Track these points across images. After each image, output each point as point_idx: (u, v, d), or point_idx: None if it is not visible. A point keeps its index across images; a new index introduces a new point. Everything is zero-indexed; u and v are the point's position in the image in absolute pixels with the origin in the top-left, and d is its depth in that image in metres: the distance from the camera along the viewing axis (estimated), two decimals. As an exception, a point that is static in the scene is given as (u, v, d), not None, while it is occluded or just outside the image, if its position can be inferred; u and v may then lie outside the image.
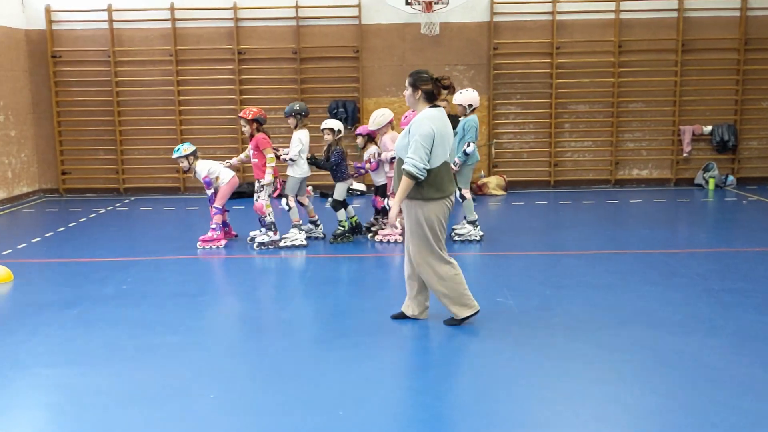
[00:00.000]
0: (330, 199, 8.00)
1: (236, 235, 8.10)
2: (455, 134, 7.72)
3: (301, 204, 8.01)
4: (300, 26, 11.38)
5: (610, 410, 3.81)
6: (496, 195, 11.18)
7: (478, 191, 11.17)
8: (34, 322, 5.42)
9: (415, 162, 4.63)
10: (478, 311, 5.05)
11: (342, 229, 7.92)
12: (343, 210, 7.90)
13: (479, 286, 6.22)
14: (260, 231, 7.79)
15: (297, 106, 7.78)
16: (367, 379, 4.21)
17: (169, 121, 11.44)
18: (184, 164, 7.77)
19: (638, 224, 8.94)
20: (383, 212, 8.19)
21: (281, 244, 7.66)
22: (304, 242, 7.73)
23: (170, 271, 6.97)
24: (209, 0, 11.30)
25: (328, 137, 7.88)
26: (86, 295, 6.09)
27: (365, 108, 11.59)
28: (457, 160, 7.61)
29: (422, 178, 4.66)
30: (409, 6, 10.88)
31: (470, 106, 7.72)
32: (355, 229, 8.09)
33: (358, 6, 11.29)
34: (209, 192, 7.77)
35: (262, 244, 7.61)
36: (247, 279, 6.67)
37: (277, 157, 7.67)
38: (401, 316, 5.19)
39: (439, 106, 4.87)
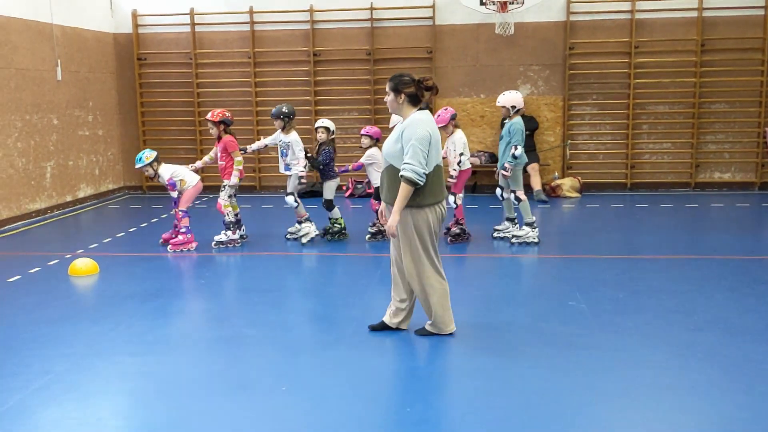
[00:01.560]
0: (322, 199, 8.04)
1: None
2: (502, 138, 7.72)
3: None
4: (374, 28, 11.50)
5: (681, 419, 3.73)
6: (570, 197, 11.00)
7: (552, 193, 11.02)
8: (117, 313, 5.70)
9: (414, 167, 4.41)
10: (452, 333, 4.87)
11: (338, 226, 8.01)
12: (336, 208, 8.01)
13: (551, 289, 6.18)
14: (223, 232, 7.83)
15: (285, 109, 7.86)
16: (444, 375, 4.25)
17: (246, 122, 11.75)
18: (149, 172, 7.64)
19: (719, 229, 8.64)
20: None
21: (303, 241, 7.85)
22: (318, 231, 7.98)
23: (245, 267, 7.18)
24: (286, 3, 11.54)
25: (322, 136, 7.93)
26: (166, 288, 6.35)
27: (437, 109, 11.57)
28: (507, 165, 7.58)
29: (422, 183, 4.46)
30: (483, 6, 10.84)
31: (514, 107, 7.63)
32: (328, 231, 8.14)
33: (432, 7, 11.31)
34: (174, 194, 7.68)
35: (220, 242, 7.72)
36: (314, 275, 6.80)
37: (243, 150, 7.95)
38: (381, 327, 4.99)
39: (424, 109, 4.66)
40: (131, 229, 8.91)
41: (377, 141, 8.00)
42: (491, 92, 11.48)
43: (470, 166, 7.96)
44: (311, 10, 11.52)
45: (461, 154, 7.67)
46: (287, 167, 7.90)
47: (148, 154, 7.62)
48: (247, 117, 11.81)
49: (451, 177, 7.80)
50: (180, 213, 7.63)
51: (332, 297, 5.96)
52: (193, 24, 11.76)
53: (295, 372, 4.37)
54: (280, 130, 7.88)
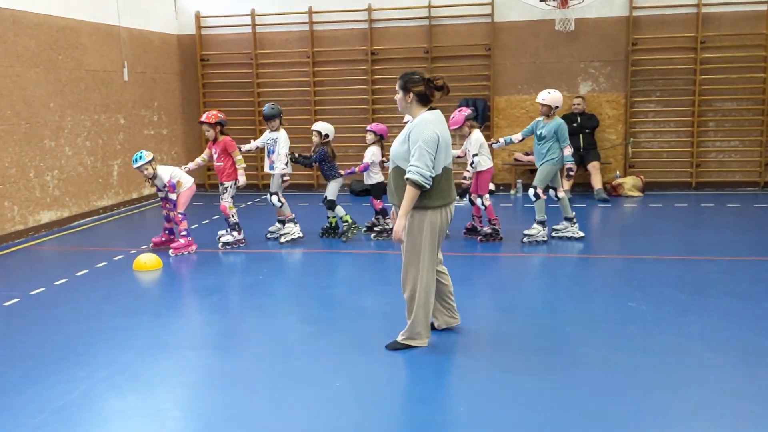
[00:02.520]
0: (324, 198, 8.07)
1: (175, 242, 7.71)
2: (543, 138, 7.56)
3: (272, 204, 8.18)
4: (432, 26, 11.47)
5: (748, 427, 3.60)
6: (632, 196, 10.74)
7: (613, 192, 10.79)
8: (178, 307, 5.86)
9: (420, 170, 4.27)
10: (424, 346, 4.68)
11: (347, 224, 8.01)
12: (340, 207, 8.04)
13: (611, 290, 6.06)
14: (226, 231, 7.88)
15: (277, 108, 7.95)
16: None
17: (305, 121, 11.86)
18: (149, 171, 7.49)
19: (790, 230, 8.31)
20: (383, 213, 8.20)
21: (282, 240, 7.88)
22: (301, 234, 7.97)
23: (303, 263, 7.27)
24: (345, 2, 11.63)
25: (315, 139, 7.98)
26: (226, 284, 6.49)
27: (496, 106, 11.52)
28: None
29: (428, 186, 4.31)
30: (543, 2, 10.69)
31: (556, 107, 7.57)
32: (330, 230, 8.19)
33: (491, 4, 11.22)
34: (173, 196, 7.55)
35: (226, 244, 7.72)
36: (366, 273, 6.83)
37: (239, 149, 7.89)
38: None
39: (434, 108, 4.52)
40: (193, 226, 9.11)
41: (381, 138, 8.04)
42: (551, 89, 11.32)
43: (490, 165, 7.91)
44: (369, 9, 11.58)
45: (475, 155, 7.68)
46: (272, 166, 7.95)
47: (145, 155, 7.51)
48: (305, 116, 11.94)
49: (465, 178, 7.86)
50: (179, 216, 7.53)
51: (385, 294, 5.97)
52: (254, 25, 11.96)
53: (351, 368, 4.40)
54: (269, 130, 7.96)
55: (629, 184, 10.89)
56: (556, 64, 11.30)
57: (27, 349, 4.88)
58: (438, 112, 4.50)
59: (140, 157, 7.49)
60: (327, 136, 8.00)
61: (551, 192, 7.89)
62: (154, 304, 6.09)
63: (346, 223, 8.01)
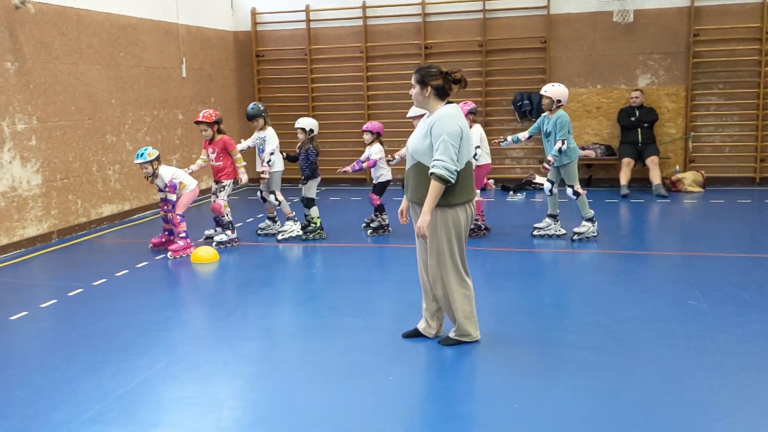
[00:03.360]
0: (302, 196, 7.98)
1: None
2: (549, 134, 7.42)
3: (264, 200, 8.17)
4: (486, 19, 11.37)
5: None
6: (693, 192, 10.45)
7: (672, 187, 10.52)
8: (234, 299, 5.97)
9: (446, 164, 4.14)
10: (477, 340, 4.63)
11: (314, 225, 7.93)
12: (315, 207, 7.94)
13: (670, 287, 5.92)
14: (215, 230, 7.85)
15: (262, 107, 7.96)
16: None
17: (358, 116, 11.93)
18: (148, 170, 7.26)
19: None
20: (379, 209, 8.12)
21: (279, 237, 7.86)
22: (300, 232, 7.92)
23: (355, 258, 7.31)
24: (399, -3, 11.64)
25: (302, 136, 7.90)
26: (280, 277, 6.58)
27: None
28: (551, 158, 7.36)
29: (453, 181, 4.19)
30: (600, -6, 10.48)
31: (559, 101, 7.38)
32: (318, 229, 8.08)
33: (547, -4, 11.07)
34: (173, 197, 7.33)
35: (220, 243, 7.59)
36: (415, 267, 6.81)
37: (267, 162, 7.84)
38: (415, 334, 4.77)
39: (452, 102, 4.41)
40: (248, 220, 9.26)
41: (379, 135, 8.00)
42: (608, 83, 11.11)
43: (488, 161, 7.87)
44: (423, 3, 11.53)
45: (477, 147, 7.57)
46: (267, 164, 7.95)
47: (150, 151, 7.27)
48: (359, 111, 11.99)
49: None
50: (177, 217, 7.33)
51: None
52: (308, 21, 12.06)
53: (404, 362, 4.41)
54: (257, 129, 7.99)
55: (689, 179, 10.60)
56: (613, 57, 11.07)
57: (90, 339, 5.04)
58: (456, 105, 4.39)
59: (141, 155, 7.25)
60: (312, 131, 7.91)
61: (546, 185, 7.71)
62: (211, 296, 6.22)
63: (313, 224, 7.94)
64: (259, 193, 8.20)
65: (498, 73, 11.53)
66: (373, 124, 8.09)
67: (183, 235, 7.34)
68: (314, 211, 7.95)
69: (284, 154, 8.08)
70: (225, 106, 12.14)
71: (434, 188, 4.19)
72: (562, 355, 4.48)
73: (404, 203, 4.64)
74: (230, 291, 6.27)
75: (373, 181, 8.13)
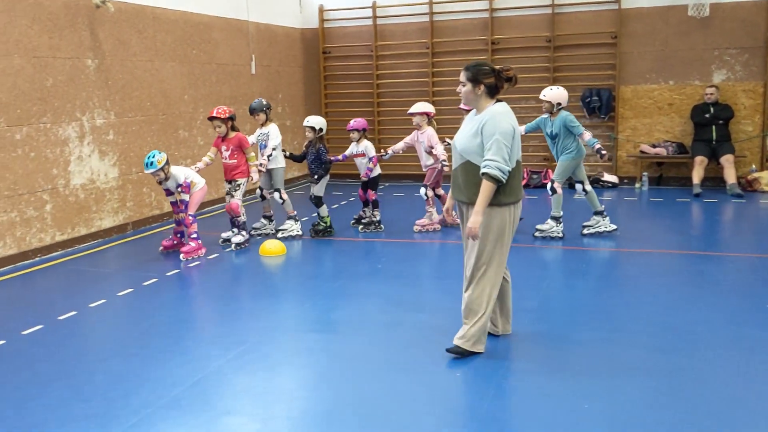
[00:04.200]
0: (311, 194, 7.94)
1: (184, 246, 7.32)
2: (556, 136, 7.41)
3: (263, 198, 8.11)
4: (555, 14, 11.20)
5: None
6: (769, 192, 10.09)
7: (748, 187, 10.16)
8: (302, 292, 6.07)
9: (499, 164, 4.06)
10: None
11: (324, 224, 7.92)
12: (324, 206, 7.92)
13: (746, 290, 5.74)
14: (232, 232, 7.66)
15: (265, 102, 7.90)
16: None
17: (424, 111, 11.92)
18: (161, 176, 7.07)
19: None
20: (374, 205, 8.14)
21: (279, 236, 7.81)
22: (300, 232, 7.94)
23: (416, 253, 7.33)
24: (466, -8, 11.58)
25: (309, 135, 7.80)
26: (345, 271, 6.65)
27: (621, 96, 11.11)
28: (599, 146, 7.50)
29: (504, 181, 4.11)
30: (675, -13, 10.19)
31: (559, 104, 7.42)
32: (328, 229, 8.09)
33: (618, -10, 10.83)
34: (187, 197, 7.18)
35: (238, 244, 7.47)
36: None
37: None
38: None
39: (502, 101, 4.30)
40: (314, 214, 9.39)
41: (364, 132, 8.01)
42: (681, 79, 10.80)
43: None
44: (490, -1, 11.46)
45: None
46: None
47: (159, 157, 6.98)
48: (424, 107, 11.98)
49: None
50: (189, 218, 7.16)
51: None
52: (375, 17, 12.12)
53: (469, 360, 4.41)
54: (260, 125, 7.95)
55: (766, 178, 10.22)
56: (687, 52, 10.75)
57: (164, 327, 5.22)
58: (505, 104, 4.31)
59: (151, 164, 6.96)
60: (321, 130, 7.84)
61: (578, 186, 7.67)
62: (279, 289, 6.34)
63: (323, 224, 7.96)
64: (258, 191, 8.10)
65: (566, 69, 11.35)
66: (359, 122, 8.05)
67: (195, 236, 7.19)
68: (323, 210, 7.94)
69: (286, 152, 8.07)
70: (292, 102, 12.33)
71: (487, 188, 4.11)
72: (631, 357, 4.39)
73: (449, 202, 4.63)
74: (297, 284, 6.38)
75: (362, 178, 8.10)
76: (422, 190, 8.10)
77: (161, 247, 7.45)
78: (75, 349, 4.85)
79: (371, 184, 8.14)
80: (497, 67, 4.28)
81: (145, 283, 6.35)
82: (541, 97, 7.54)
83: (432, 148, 7.92)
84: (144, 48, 8.76)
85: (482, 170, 4.10)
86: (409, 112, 8.15)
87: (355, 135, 7.98)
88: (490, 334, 4.63)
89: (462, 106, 7.48)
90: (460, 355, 4.36)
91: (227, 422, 3.70)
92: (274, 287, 6.41)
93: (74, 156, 7.75)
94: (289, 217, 8.02)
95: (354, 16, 12.31)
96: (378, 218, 8.24)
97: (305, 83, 12.72)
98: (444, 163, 7.89)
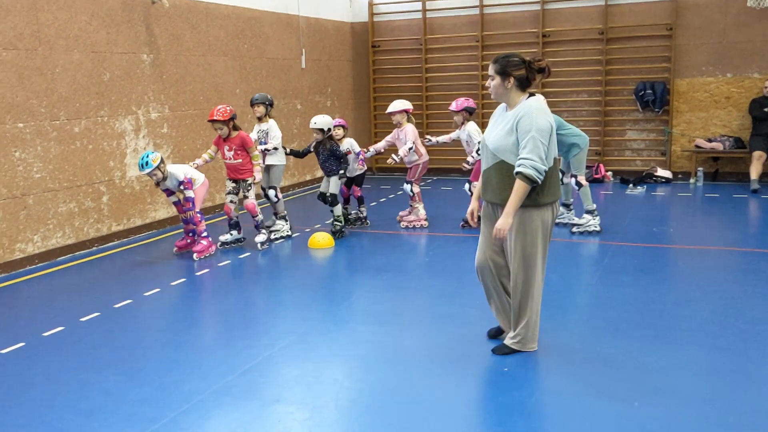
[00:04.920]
0: (328, 194, 7.71)
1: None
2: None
3: (267, 198, 7.89)
4: (608, 5, 11.00)
5: None
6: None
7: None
8: (350, 284, 6.12)
9: (535, 163, 3.83)
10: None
11: (339, 224, 7.71)
12: (339, 205, 7.75)
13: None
14: (231, 234, 7.37)
15: (270, 96, 7.75)
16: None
17: (473, 105, 11.86)
18: (157, 176, 6.73)
19: None
20: (359, 201, 8.15)
21: (272, 237, 7.61)
22: (290, 232, 7.75)
23: (468, 248, 7.29)
24: (516, -16, 11.45)
25: (318, 136, 7.55)
26: (394, 264, 6.67)
27: (676, 89, 10.85)
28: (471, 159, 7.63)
29: (540, 182, 3.89)
30: (734, -23, 9.90)
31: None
32: (345, 225, 7.94)
33: (675, -20, 10.57)
34: (191, 193, 6.90)
35: (262, 243, 7.29)
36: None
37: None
38: (499, 332, 4.55)
39: (534, 94, 4.07)
40: (361, 207, 9.43)
41: (345, 129, 8.03)
42: (739, 71, 10.49)
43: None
44: (542, -9, 11.31)
45: (479, 142, 7.50)
46: (263, 157, 7.66)
47: (153, 156, 6.64)
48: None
49: (468, 163, 7.75)
50: (197, 215, 6.95)
51: (554, 284, 5.86)
52: (424, 10, 12.09)
53: (517, 354, 4.38)
54: (257, 123, 7.82)
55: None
56: (746, 44, 10.43)
57: (216, 316, 5.33)
58: (541, 98, 4.10)
59: (146, 164, 6.64)
60: (329, 130, 7.58)
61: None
62: (328, 281, 6.40)
63: (339, 223, 7.71)
64: (263, 191, 7.91)
65: (619, 62, 11.14)
66: (342, 120, 8.08)
67: (205, 234, 7.04)
68: (338, 209, 7.73)
69: (287, 149, 7.85)
70: (341, 96, 12.40)
71: (520, 189, 3.88)
72: (687, 355, 4.30)
73: (474, 203, 4.40)
74: (345, 276, 6.43)
75: (348, 174, 7.96)
76: (407, 187, 8.07)
77: (175, 248, 7.22)
78: (130, 336, 4.98)
79: (357, 180, 8.15)
80: (528, 57, 4.05)
81: (198, 273, 6.49)
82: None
83: (412, 148, 7.87)
84: (197, 43, 8.91)
85: (516, 169, 3.89)
86: (387, 111, 8.08)
87: (340, 131, 7.93)
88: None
89: (390, 110, 7.85)
90: (506, 354, 4.31)
91: (276, 410, 3.75)
92: (322, 279, 6.48)
93: (130, 149, 7.95)
94: (280, 217, 7.82)
95: (403, 9, 12.30)
96: (365, 214, 8.28)
97: (354, 77, 12.77)
98: (415, 159, 7.97)
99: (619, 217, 8.26)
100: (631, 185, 10.45)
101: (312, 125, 7.53)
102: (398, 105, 8.02)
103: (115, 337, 4.99)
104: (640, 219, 8.22)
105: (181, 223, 7.30)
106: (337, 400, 3.87)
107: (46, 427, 3.64)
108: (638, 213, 7.91)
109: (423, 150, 8.08)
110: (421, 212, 8.16)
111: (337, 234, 7.64)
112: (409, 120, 8.06)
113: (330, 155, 7.60)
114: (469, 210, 4.42)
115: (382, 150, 8.44)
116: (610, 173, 11.18)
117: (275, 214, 7.97)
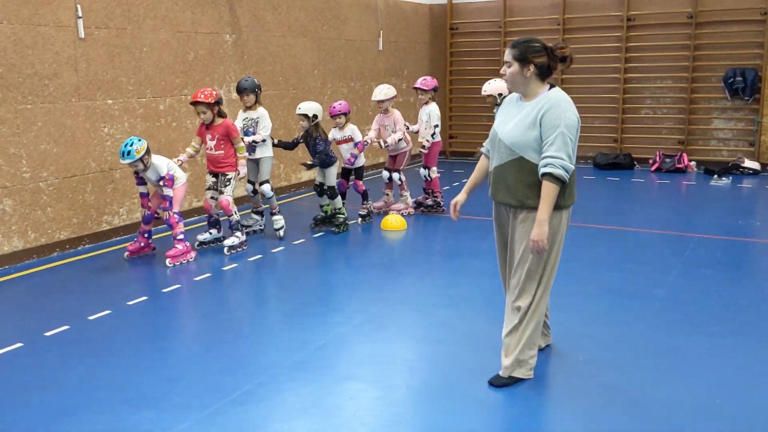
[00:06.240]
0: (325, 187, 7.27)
1: (154, 248, 6.56)
2: None
3: (255, 192, 7.21)
4: (699, -12, 10.57)
5: None
6: None
7: None
8: (422, 266, 6.13)
9: (564, 162, 3.41)
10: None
11: (343, 216, 7.29)
12: (339, 197, 7.29)
13: None
14: (209, 233, 6.74)
15: (257, 81, 6.94)
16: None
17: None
18: (139, 167, 6.02)
19: None
20: (364, 196, 7.68)
21: (281, 234, 7.01)
22: (283, 224, 7.07)
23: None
24: (601, -34, 11.12)
25: (304, 123, 7.06)
26: (465, 248, 6.64)
27: (769, 77, 10.35)
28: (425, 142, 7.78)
29: (567, 181, 3.49)
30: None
31: (501, 95, 7.32)
32: (325, 219, 7.48)
33: (772, -39, 10.04)
34: (170, 192, 6.14)
35: (232, 247, 6.50)
36: (613, 250, 6.55)
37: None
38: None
39: (554, 85, 3.65)
40: (365, 202, 9.41)
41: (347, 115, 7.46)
42: (840, 58, 9.91)
43: (440, 138, 8.02)
44: (628, -27, 10.95)
45: (436, 126, 7.72)
46: (251, 149, 6.90)
47: (138, 146, 5.92)
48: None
49: (424, 148, 7.82)
50: (175, 216, 6.18)
51: (632, 273, 5.72)
52: (504, -8, 11.91)
53: (595, 344, 4.31)
54: (243, 109, 7.03)
55: None
56: None
57: (291, 292, 5.43)
58: (560, 89, 3.66)
59: (128, 153, 5.90)
60: (316, 117, 7.07)
61: None
62: (400, 263, 6.43)
63: (342, 215, 7.30)
64: (249, 185, 7.15)
65: (708, 48, 10.70)
66: (345, 105, 7.39)
67: (181, 236, 6.18)
68: (338, 201, 7.30)
69: (275, 140, 7.21)
70: (416, 78, 12.29)
71: (551, 191, 3.45)
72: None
73: (461, 196, 3.98)
74: (417, 259, 6.44)
75: (345, 165, 7.53)
76: (395, 176, 7.91)
77: (126, 253, 6.37)
78: (207, 309, 5.15)
79: (357, 173, 7.60)
80: (550, 44, 3.64)
81: (274, 251, 6.63)
82: (483, 92, 7.58)
83: (401, 140, 7.70)
84: (278, 24, 9.04)
85: (544, 169, 3.45)
86: (375, 99, 7.69)
87: (341, 120, 7.35)
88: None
89: (376, 98, 7.60)
90: (504, 385, 3.78)
91: (349, 387, 3.81)
92: (394, 261, 6.51)
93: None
94: (273, 213, 7.09)
95: (483, -9, 12.14)
96: (371, 209, 7.84)
97: (431, 60, 12.71)
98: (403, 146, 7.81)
99: (702, 209, 7.97)
100: (715, 176, 10.06)
101: (298, 111, 7.07)
102: (388, 92, 7.68)
103: (193, 308, 5.16)
104: (725, 211, 7.91)
105: (142, 221, 6.42)
106: (410, 380, 3.89)
107: (133, 389, 3.81)
108: (722, 205, 7.61)
109: (409, 137, 7.94)
110: (409, 200, 8.04)
111: (341, 227, 7.25)
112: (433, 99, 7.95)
113: (315, 146, 7.12)
114: (453, 201, 3.99)
115: (375, 139, 7.79)
116: (693, 163, 10.79)
117: (257, 212, 7.36)
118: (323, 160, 7.12)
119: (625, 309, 4.94)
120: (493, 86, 7.49)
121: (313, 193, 7.66)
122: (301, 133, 7.23)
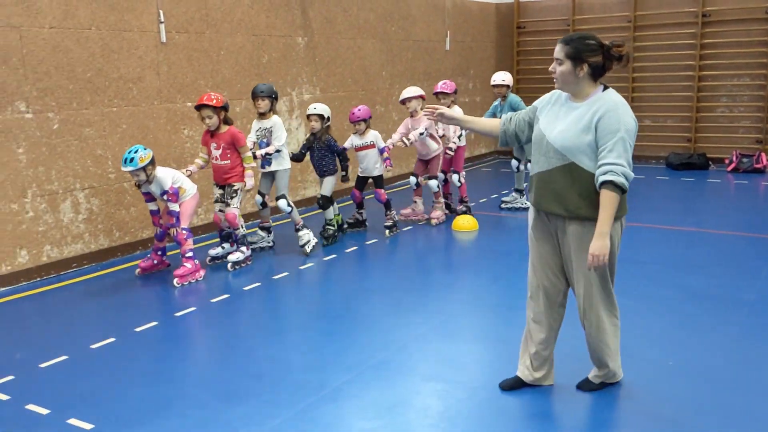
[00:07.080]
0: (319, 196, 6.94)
1: (168, 265, 6.23)
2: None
3: (264, 205, 6.76)
4: (779, -18, 10.22)
5: None
6: None
7: None
8: (495, 267, 6.10)
9: (626, 170, 3.17)
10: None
11: (332, 228, 6.91)
12: (331, 208, 6.89)
13: None
14: (222, 247, 6.42)
15: (274, 87, 6.62)
16: None
17: (620, 89, 11.41)
18: (141, 177, 5.61)
19: None
20: (387, 206, 7.28)
21: (308, 250, 6.55)
22: (310, 239, 6.61)
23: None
24: (675, -39, 10.85)
25: (316, 125, 6.71)
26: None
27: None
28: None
29: (627, 190, 3.23)
30: None
31: (508, 87, 7.87)
32: (340, 228, 7.26)
33: None
34: (176, 207, 5.77)
35: (236, 263, 6.15)
36: (695, 252, 6.39)
37: (254, 156, 6.27)
38: (518, 384, 3.81)
39: (607, 86, 3.38)
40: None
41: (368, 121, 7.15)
42: None
43: (465, 143, 7.98)
44: (703, -33, 10.66)
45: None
46: (267, 162, 6.49)
47: (142, 154, 5.54)
48: (621, 84, 11.45)
49: (450, 150, 7.70)
50: (183, 233, 5.78)
51: (718, 277, 5.57)
52: (573, -10, 11.74)
53: (680, 348, 4.23)
54: (256, 119, 6.61)
55: None
56: None
57: (366, 293, 5.49)
58: (614, 90, 3.40)
59: (131, 160, 5.52)
60: (329, 119, 6.81)
61: (513, 162, 8.23)
62: (473, 264, 6.42)
63: (331, 228, 6.90)
64: (259, 197, 6.71)
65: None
66: (366, 110, 7.08)
67: (190, 254, 5.79)
68: (330, 212, 6.91)
69: (290, 152, 6.87)
70: (482, 78, 12.30)
71: (613, 201, 3.19)
72: None
73: (450, 113, 3.73)
74: (490, 260, 6.41)
75: (363, 174, 7.19)
76: (454, 177, 7.78)
77: (138, 269, 6.08)
78: (287, 308, 5.26)
79: (377, 181, 7.23)
80: (606, 42, 3.35)
81: (347, 251, 6.70)
82: (501, 81, 7.80)
83: (423, 134, 7.25)
84: (348, 26, 9.13)
85: (604, 177, 3.18)
86: (403, 98, 7.37)
87: (361, 126, 7.05)
88: (522, 385, 3.82)
89: (404, 96, 7.36)
90: (593, 390, 3.75)
91: (434, 387, 3.83)
92: (467, 262, 6.50)
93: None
94: (298, 228, 6.63)
95: (551, -11, 12.00)
96: (396, 219, 7.46)
97: (497, 59, 12.63)
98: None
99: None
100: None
101: (312, 110, 6.73)
102: (413, 91, 7.35)
103: (274, 306, 5.27)
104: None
105: (155, 238, 6.14)
106: (495, 381, 3.88)
107: (222, 384, 3.92)
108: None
109: (439, 138, 7.61)
110: (420, 206, 7.83)
111: (329, 239, 6.86)
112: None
113: (327, 151, 6.82)
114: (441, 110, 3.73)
115: (399, 143, 7.32)
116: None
117: (262, 227, 6.88)
118: (333, 169, 6.89)
119: (712, 313, 4.82)
120: (509, 77, 7.99)
121: (350, 201, 7.62)
122: (308, 137, 6.93)
